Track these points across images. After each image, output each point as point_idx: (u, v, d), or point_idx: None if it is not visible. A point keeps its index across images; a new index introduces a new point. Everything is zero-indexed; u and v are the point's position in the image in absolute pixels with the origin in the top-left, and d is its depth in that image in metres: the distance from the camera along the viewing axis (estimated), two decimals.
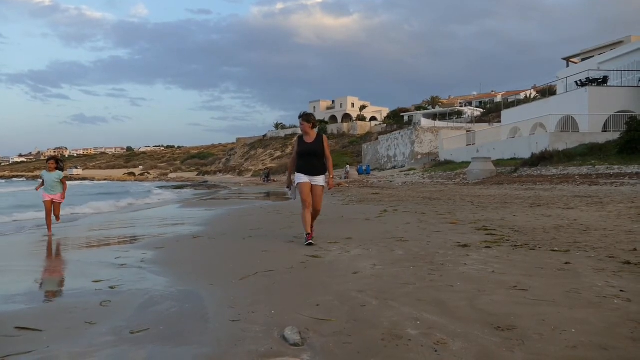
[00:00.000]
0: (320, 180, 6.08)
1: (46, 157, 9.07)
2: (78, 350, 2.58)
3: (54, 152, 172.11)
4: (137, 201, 20.26)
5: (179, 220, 10.54)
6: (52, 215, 8.68)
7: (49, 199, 8.68)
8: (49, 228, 8.48)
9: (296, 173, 6.12)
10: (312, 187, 6.04)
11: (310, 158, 6.05)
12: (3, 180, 78.84)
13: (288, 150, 79.89)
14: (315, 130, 6.19)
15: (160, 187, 41.58)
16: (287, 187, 6.34)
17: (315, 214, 6.21)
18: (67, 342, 2.73)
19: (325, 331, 2.71)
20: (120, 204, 17.76)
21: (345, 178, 36.15)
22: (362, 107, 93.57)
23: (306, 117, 6.11)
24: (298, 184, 6.04)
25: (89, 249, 6.55)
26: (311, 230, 6.05)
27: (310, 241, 5.89)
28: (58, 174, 8.80)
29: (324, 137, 6.25)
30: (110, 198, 21.54)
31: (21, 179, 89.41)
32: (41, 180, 8.85)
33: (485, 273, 4.05)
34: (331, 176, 6.23)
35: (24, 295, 3.83)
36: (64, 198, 8.99)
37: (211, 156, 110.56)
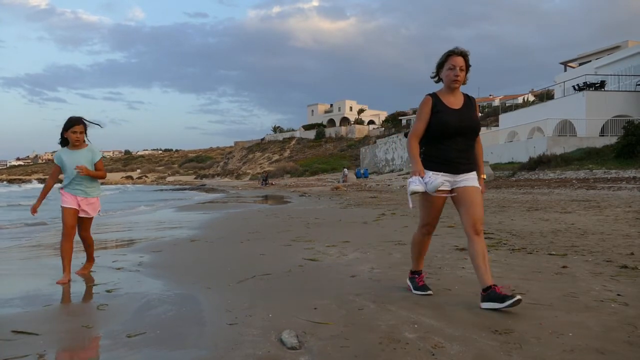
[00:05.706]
0: (473, 178, 3.34)
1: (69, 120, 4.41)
2: (75, 354, 2.57)
3: (52, 155, 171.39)
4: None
5: (176, 224, 10.51)
6: (81, 239, 4.82)
7: (73, 206, 4.48)
8: (66, 270, 4.40)
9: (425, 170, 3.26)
10: (463, 192, 3.28)
11: (457, 139, 3.28)
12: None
13: (286, 154, 79.44)
14: None
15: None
16: (414, 175, 3.21)
17: (481, 246, 3.17)
18: (64, 346, 2.72)
19: (323, 335, 2.71)
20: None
21: (343, 182, 36.15)
22: (360, 111, 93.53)
23: (463, 54, 3.31)
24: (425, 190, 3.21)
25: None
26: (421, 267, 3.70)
27: (428, 289, 3.54)
28: (88, 152, 4.49)
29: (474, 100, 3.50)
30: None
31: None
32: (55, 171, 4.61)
33: None
34: (483, 176, 3.43)
35: (21, 299, 3.81)
36: (96, 210, 4.63)
37: (209, 159, 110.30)
